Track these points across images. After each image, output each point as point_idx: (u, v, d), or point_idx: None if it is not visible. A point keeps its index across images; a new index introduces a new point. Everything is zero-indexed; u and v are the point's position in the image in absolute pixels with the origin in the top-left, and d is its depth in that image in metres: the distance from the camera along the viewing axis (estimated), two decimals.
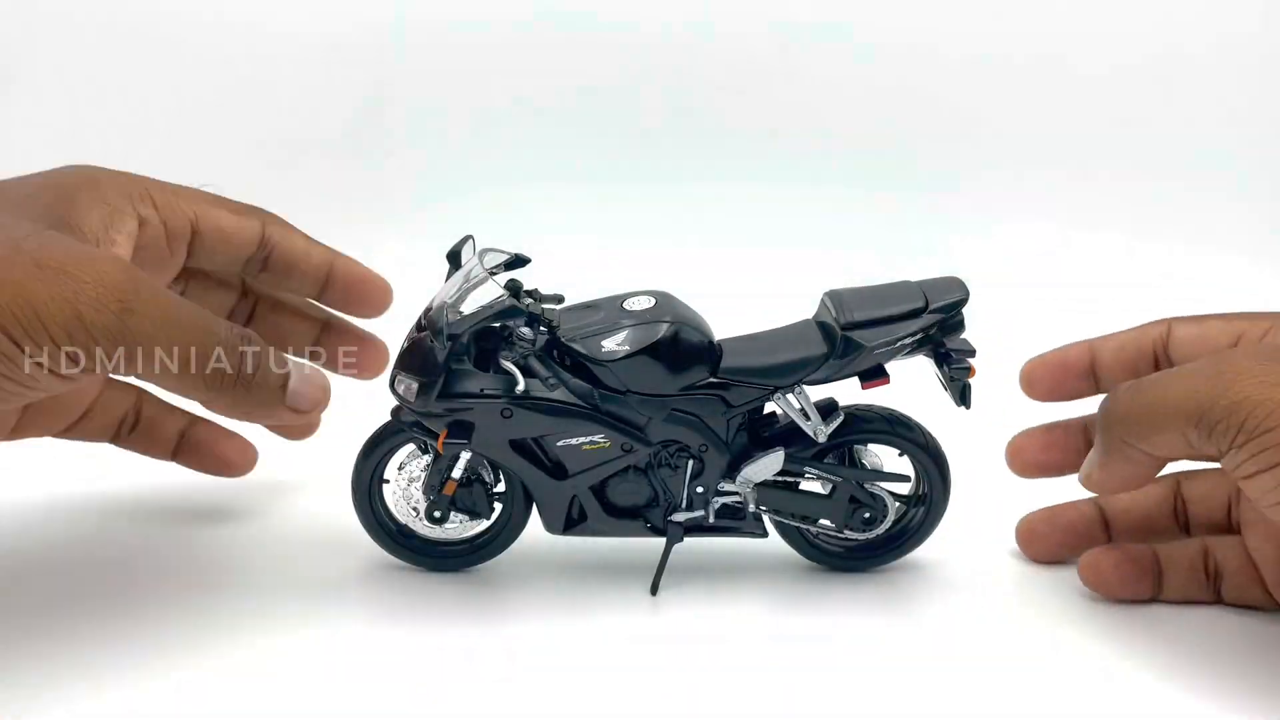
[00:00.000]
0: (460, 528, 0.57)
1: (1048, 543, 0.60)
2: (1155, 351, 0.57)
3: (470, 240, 0.53)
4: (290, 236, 0.58)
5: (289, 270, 0.59)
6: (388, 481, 0.57)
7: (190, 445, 0.63)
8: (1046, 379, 0.59)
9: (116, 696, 0.47)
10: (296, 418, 0.50)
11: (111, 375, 0.47)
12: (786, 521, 0.57)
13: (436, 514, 0.56)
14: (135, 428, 0.62)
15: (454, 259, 0.53)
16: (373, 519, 0.57)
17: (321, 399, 0.51)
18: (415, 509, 0.57)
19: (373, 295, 0.61)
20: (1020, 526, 0.60)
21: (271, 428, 0.64)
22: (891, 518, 0.57)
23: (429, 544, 0.58)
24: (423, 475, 0.56)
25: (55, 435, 0.60)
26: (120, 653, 0.50)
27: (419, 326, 0.53)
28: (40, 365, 0.43)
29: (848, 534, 0.57)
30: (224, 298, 0.61)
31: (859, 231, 1.04)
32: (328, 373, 0.53)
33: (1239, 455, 0.45)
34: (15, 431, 0.56)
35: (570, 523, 0.57)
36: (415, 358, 0.52)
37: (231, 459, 0.63)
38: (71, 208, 0.49)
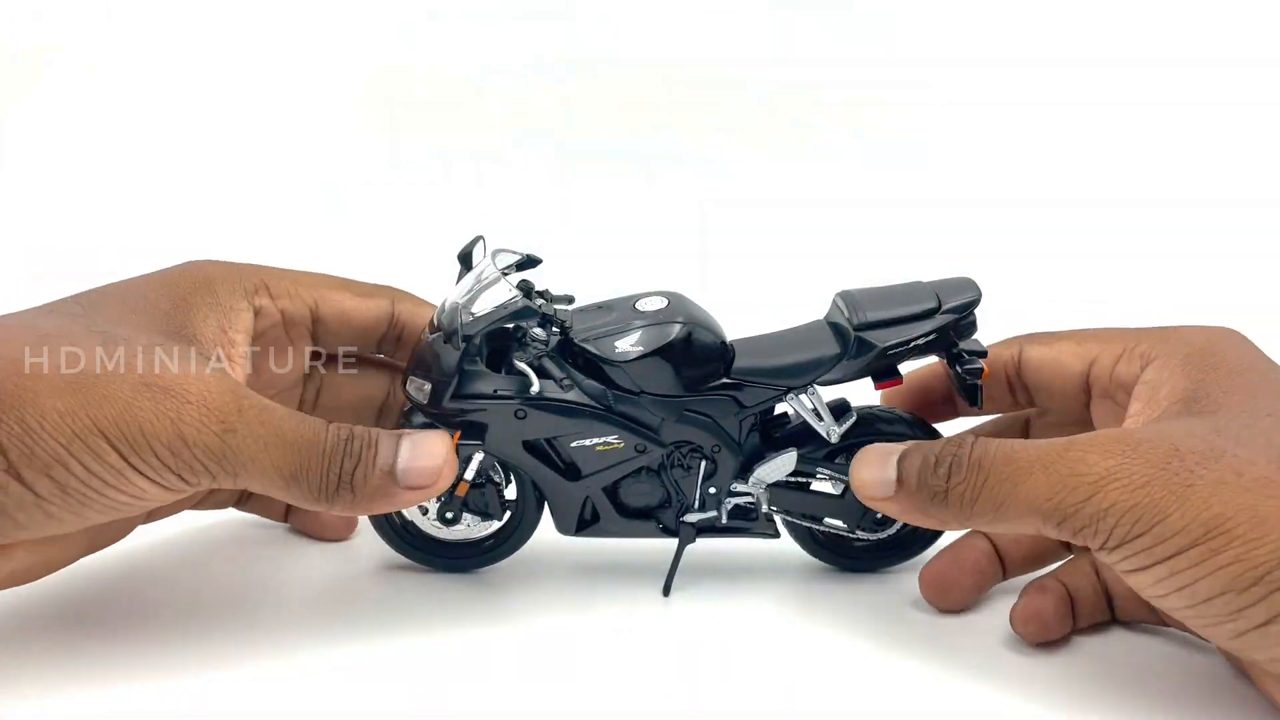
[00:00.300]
0: (471, 529, 0.57)
1: (960, 589, 0.55)
2: (1007, 374, 0.55)
3: (481, 240, 0.53)
4: (421, 311, 0.57)
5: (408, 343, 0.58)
6: None
7: (300, 511, 0.62)
8: (912, 401, 0.58)
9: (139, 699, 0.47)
10: (419, 495, 0.49)
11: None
12: (798, 522, 0.57)
13: (449, 515, 0.56)
14: (254, 496, 0.62)
15: (465, 260, 0.53)
16: (383, 520, 0.57)
17: (438, 466, 0.49)
18: (425, 509, 0.57)
19: None
20: (926, 576, 0.55)
21: (311, 532, 0.63)
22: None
23: (440, 545, 0.58)
24: None
25: (168, 514, 0.59)
26: (134, 657, 0.50)
27: (431, 328, 0.53)
28: (151, 480, 0.45)
29: (859, 534, 0.57)
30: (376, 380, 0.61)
31: (872, 232, 1.04)
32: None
33: (1111, 557, 0.44)
34: (149, 516, 0.56)
35: (582, 524, 0.57)
36: (428, 359, 0.52)
37: (337, 525, 0.62)
38: (188, 314, 0.50)
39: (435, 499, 0.56)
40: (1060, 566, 0.54)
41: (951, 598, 0.55)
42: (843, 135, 1.10)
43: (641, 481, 0.55)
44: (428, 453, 0.49)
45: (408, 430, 0.50)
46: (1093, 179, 1.10)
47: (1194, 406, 0.47)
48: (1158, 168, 1.10)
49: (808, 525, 0.57)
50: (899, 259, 0.73)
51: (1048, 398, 0.56)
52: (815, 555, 0.59)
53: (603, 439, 0.54)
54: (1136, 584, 0.44)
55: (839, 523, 0.57)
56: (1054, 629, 0.52)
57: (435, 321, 0.53)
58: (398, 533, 0.58)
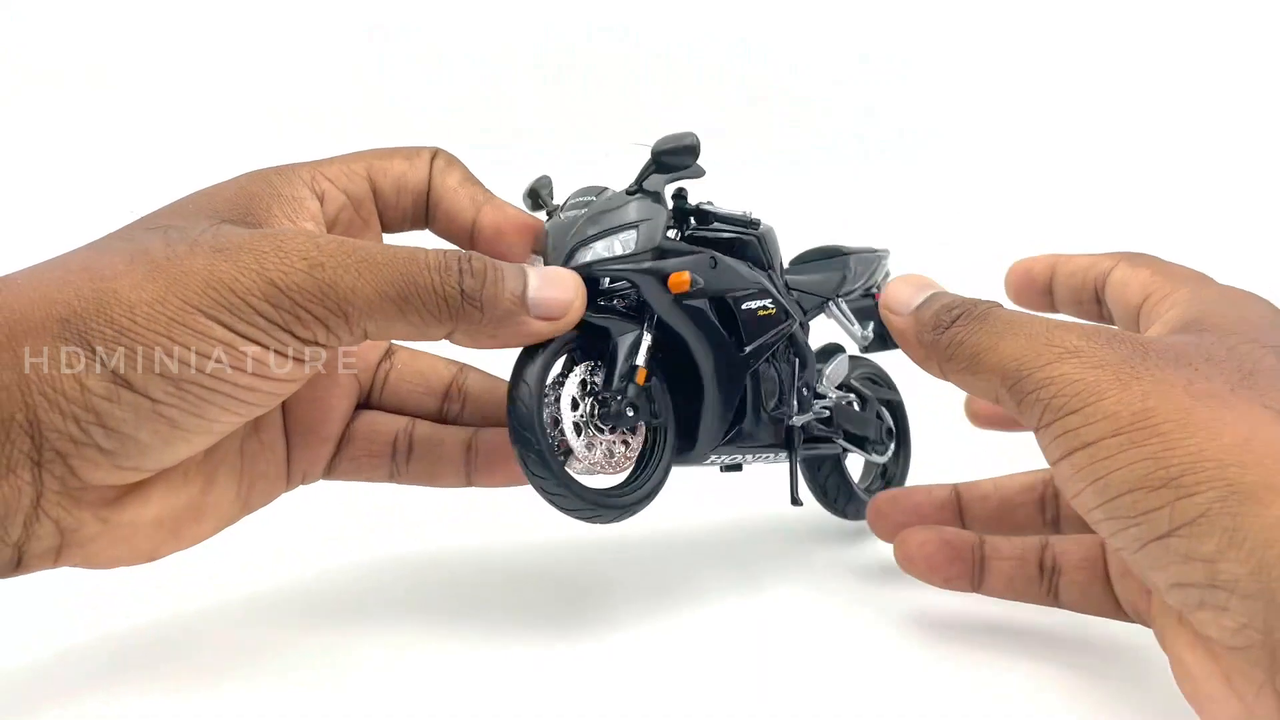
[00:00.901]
0: (609, 460, 0.50)
1: (888, 522, 0.56)
2: (1096, 286, 0.54)
3: (547, 180, 0.53)
4: (451, 169, 0.52)
5: (437, 209, 0.53)
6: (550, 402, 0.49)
7: (482, 458, 0.53)
8: (1014, 284, 0.57)
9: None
10: (551, 327, 0.45)
11: (343, 349, 0.46)
12: (843, 445, 0.59)
13: (630, 411, 0.48)
14: (411, 454, 0.53)
15: (534, 196, 0.53)
16: (543, 446, 0.48)
17: (569, 299, 0.45)
18: (592, 422, 0.49)
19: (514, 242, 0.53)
20: (870, 504, 0.57)
21: (429, 478, 0.54)
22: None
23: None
24: (591, 382, 0.49)
25: (324, 476, 0.53)
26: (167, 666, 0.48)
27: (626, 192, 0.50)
28: (263, 346, 0.41)
29: (872, 454, 0.61)
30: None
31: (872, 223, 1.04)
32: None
33: (1043, 436, 0.42)
34: (288, 478, 0.51)
35: (727, 434, 0.53)
36: (612, 219, 0.50)
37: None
38: (250, 205, 0.46)
39: (613, 394, 0.48)
40: (1022, 531, 0.54)
41: (879, 526, 0.56)
42: (837, 124, 1.09)
43: (769, 368, 0.55)
44: (559, 283, 0.46)
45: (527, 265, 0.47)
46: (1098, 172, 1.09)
47: (1190, 326, 0.46)
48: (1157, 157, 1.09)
49: (841, 450, 0.59)
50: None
51: (1117, 322, 0.53)
52: (813, 493, 0.61)
53: (763, 303, 0.54)
54: (1060, 477, 0.42)
55: (864, 434, 0.60)
56: (920, 567, 0.51)
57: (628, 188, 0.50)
58: (552, 469, 0.47)
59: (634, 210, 0.49)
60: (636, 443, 0.51)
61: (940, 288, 0.48)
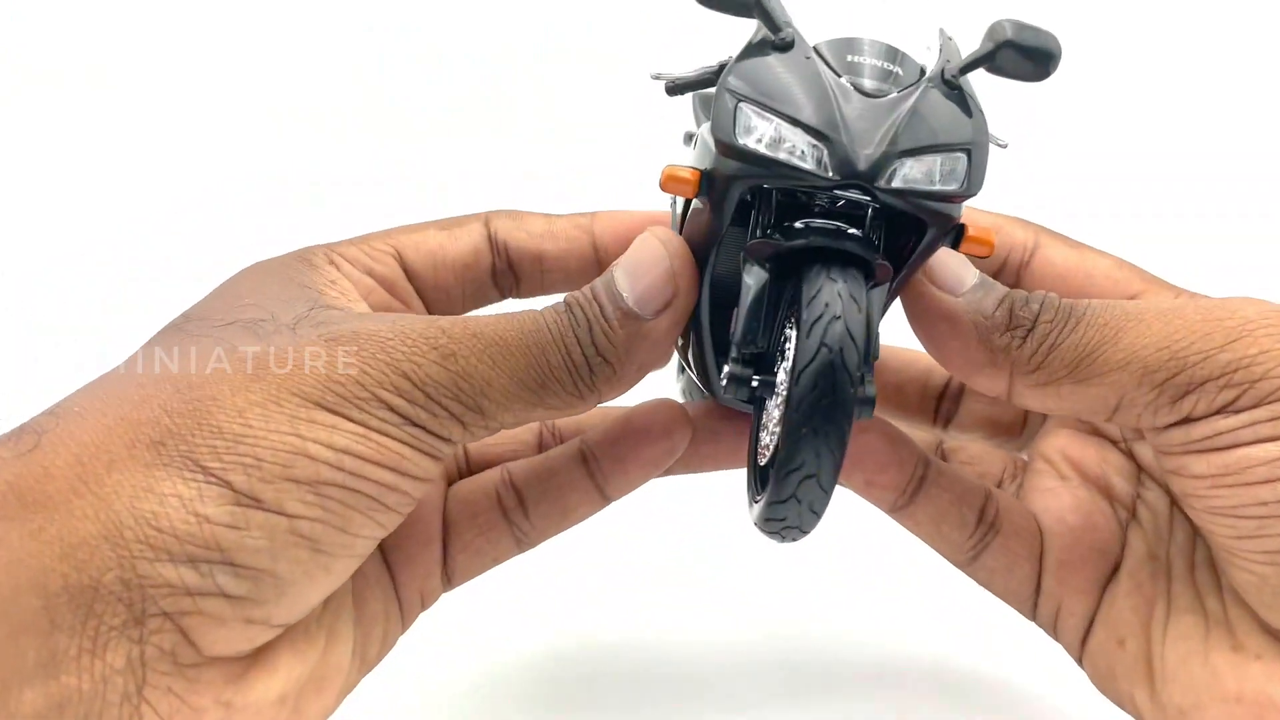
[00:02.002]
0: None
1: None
2: (1015, 264, 0.44)
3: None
4: (526, 224, 0.45)
5: (539, 260, 0.45)
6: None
7: (609, 458, 0.44)
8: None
9: None
10: (670, 317, 0.37)
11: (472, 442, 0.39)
12: None
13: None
14: (524, 503, 0.44)
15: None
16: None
17: (667, 268, 0.37)
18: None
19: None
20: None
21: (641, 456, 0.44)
22: None
23: None
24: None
25: (446, 587, 0.44)
26: None
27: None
28: (401, 441, 0.35)
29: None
30: None
31: None
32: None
33: (1224, 423, 0.34)
34: (402, 613, 0.42)
35: None
36: (942, 129, 0.35)
37: (658, 423, 0.44)
38: (308, 289, 0.39)
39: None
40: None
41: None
42: None
43: None
44: (647, 262, 0.37)
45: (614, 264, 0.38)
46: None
47: None
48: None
49: None
50: None
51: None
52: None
53: None
54: (1229, 462, 0.34)
55: None
56: (860, 457, 0.42)
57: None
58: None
59: (971, 126, 0.34)
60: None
61: (976, 273, 0.37)
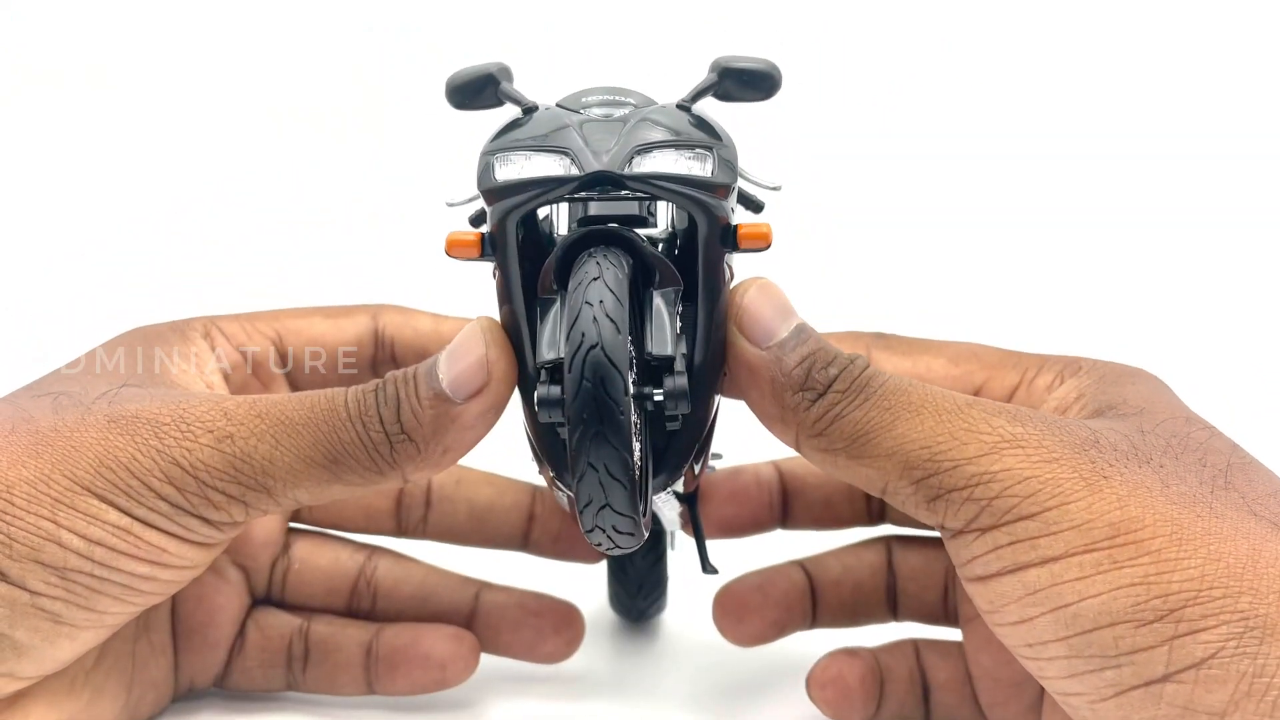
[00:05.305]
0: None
1: (759, 621, 0.47)
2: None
3: (508, 68, 0.42)
4: (412, 322, 0.48)
5: (423, 359, 0.44)
6: None
7: (383, 662, 0.46)
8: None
9: None
10: (482, 404, 0.37)
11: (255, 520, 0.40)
12: None
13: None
14: (307, 660, 0.47)
15: (483, 85, 0.41)
16: None
17: (482, 353, 0.37)
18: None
19: None
20: (723, 598, 0.47)
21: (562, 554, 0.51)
22: None
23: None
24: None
25: (215, 686, 0.47)
26: None
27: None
28: (166, 532, 0.37)
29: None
30: None
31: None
32: None
33: (975, 545, 0.34)
34: (175, 686, 0.45)
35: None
36: (681, 131, 0.38)
37: (441, 653, 0.46)
38: (148, 361, 0.41)
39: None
40: (880, 645, 0.46)
41: (746, 630, 0.47)
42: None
43: None
44: (464, 348, 0.37)
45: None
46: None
47: (1112, 411, 0.38)
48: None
49: None
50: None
51: None
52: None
53: None
54: (992, 596, 0.34)
55: None
56: (856, 704, 0.44)
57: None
58: None
59: (708, 136, 0.36)
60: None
61: (798, 315, 0.38)
